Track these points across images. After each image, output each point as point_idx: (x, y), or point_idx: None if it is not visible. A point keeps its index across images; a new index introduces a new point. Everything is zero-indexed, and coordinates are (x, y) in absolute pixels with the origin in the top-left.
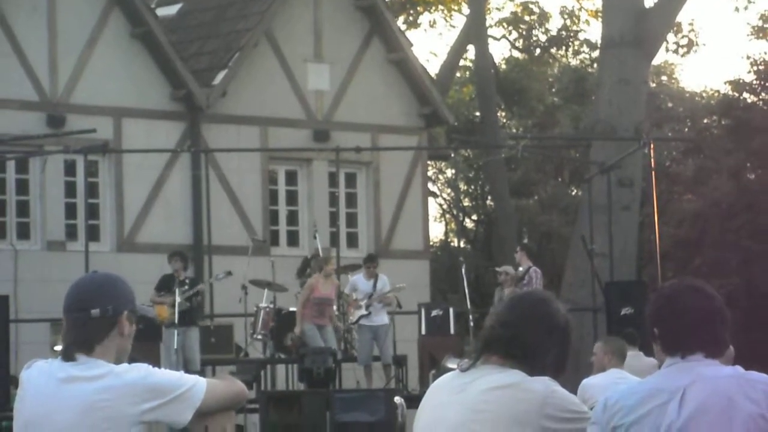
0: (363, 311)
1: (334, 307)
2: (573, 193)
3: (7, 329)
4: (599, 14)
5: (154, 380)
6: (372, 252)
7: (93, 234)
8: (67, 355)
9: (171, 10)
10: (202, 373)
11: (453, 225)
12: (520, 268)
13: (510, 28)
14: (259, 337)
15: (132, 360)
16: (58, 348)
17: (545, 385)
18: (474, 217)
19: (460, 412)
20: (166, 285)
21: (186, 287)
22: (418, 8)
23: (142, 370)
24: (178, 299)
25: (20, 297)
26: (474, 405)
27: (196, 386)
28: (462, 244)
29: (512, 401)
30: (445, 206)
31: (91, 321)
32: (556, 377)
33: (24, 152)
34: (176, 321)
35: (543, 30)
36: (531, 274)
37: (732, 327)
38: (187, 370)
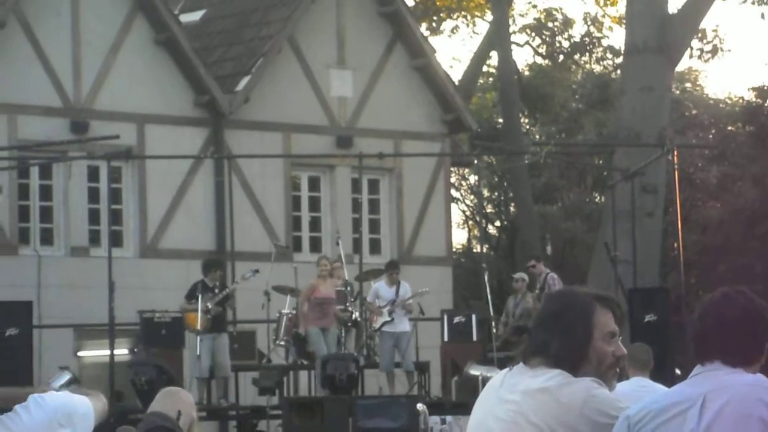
0: (386, 317)
1: (339, 308)
2: (596, 200)
3: (31, 335)
4: (623, 21)
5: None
6: (394, 258)
7: (116, 240)
8: None
9: (194, 17)
10: (228, 379)
11: (476, 231)
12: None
13: (533, 34)
14: (282, 343)
15: (158, 368)
16: (82, 354)
17: (586, 388)
18: (497, 223)
19: (506, 414)
20: (195, 293)
21: (217, 291)
22: (441, 14)
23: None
24: (209, 305)
25: (44, 303)
26: (518, 409)
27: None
28: (485, 251)
29: (553, 407)
30: (468, 212)
31: None
32: (575, 368)
33: (47, 158)
34: (208, 327)
35: (566, 36)
36: (549, 282)
37: None
38: (218, 375)
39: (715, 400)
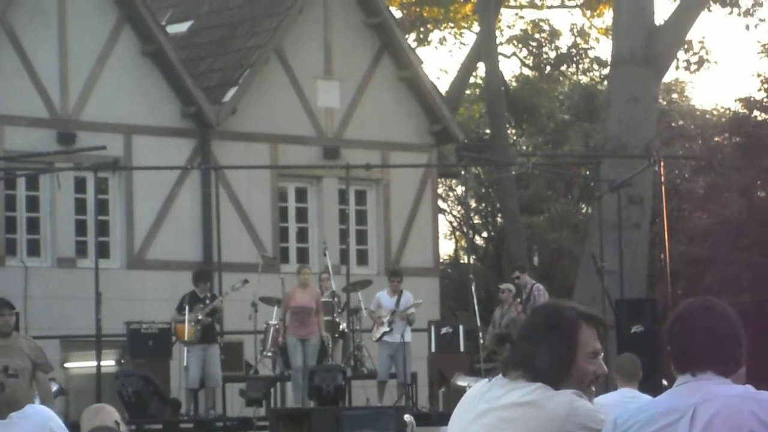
0: (386, 328)
1: (324, 317)
2: (583, 211)
3: None
4: (609, 32)
5: None
6: (392, 267)
7: (103, 251)
8: None
9: (181, 28)
10: (216, 390)
11: (463, 242)
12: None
13: (520, 45)
14: (269, 354)
15: (145, 379)
16: (69, 365)
17: (567, 401)
18: (484, 234)
19: (485, 428)
20: (184, 304)
21: (207, 302)
22: (429, 26)
23: None
24: (200, 316)
25: (30, 314)
26: (497, 423)
27: None
28: (472, 262)
29: (534, 421)
30: (455, 223)
31: None
32: (555, 384)
33: (34, 169)
34: (198, 338)
35: (553, 47)
36: (534, 293)
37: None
38: (208, 386)
39: (707, 412)
